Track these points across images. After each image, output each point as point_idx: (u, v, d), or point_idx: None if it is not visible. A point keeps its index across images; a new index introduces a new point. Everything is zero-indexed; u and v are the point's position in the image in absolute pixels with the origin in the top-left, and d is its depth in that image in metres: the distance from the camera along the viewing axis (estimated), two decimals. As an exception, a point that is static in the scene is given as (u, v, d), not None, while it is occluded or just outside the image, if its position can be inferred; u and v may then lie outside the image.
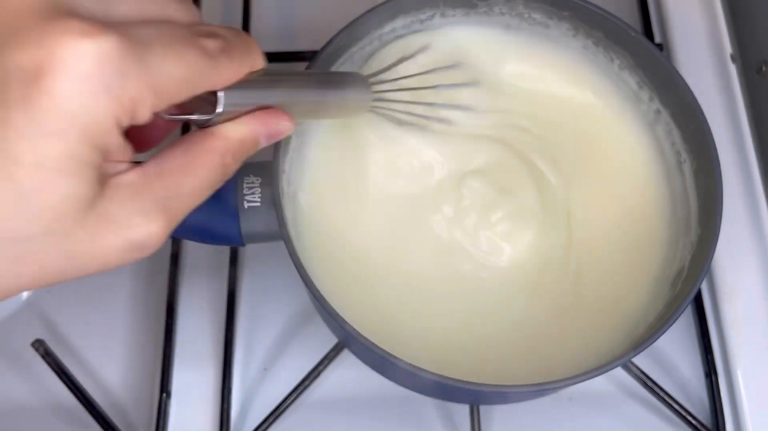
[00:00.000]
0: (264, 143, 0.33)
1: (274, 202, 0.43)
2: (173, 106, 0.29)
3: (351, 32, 0.47)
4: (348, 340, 0.49)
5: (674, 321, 0.41)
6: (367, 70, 0.48)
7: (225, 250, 0.55)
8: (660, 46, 0.62)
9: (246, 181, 0.44)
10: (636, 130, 0.51)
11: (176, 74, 0.27)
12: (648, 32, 0.62)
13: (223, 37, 0.30)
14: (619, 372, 0.51)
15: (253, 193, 0.44)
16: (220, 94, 0.30)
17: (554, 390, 0.48)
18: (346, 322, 0.40)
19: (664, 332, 0.41)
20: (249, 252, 0.56)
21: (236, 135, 0.31)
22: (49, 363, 0.50)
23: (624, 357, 0.41)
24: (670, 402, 0.51)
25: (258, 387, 0.53)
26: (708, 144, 0.45)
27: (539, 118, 0.51)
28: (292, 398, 0.50)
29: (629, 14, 0.64)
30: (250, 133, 0.32)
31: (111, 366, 0.53)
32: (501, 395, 0.46)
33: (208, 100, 0.30)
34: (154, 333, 0.53)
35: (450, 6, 0.50)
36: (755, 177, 0.58)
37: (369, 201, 0.49)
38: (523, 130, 0.51)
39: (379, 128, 0.48)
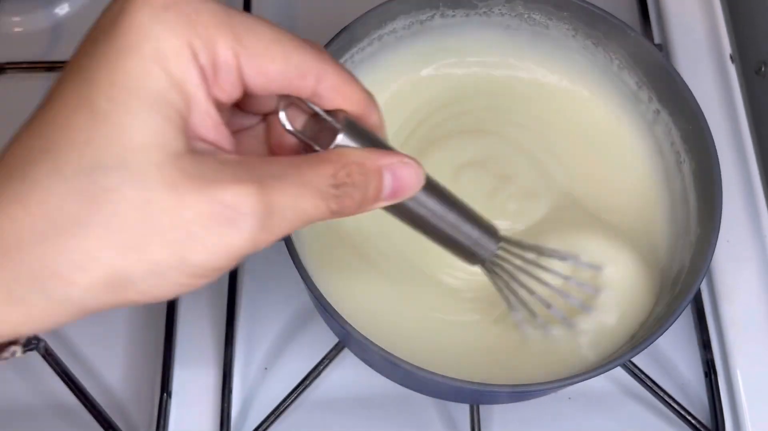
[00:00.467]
0: (389, 181, 0.31)
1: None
2: (299, 127, 0.29)
3: (351, 32, 0.47)
4: (348, 340, 0.49)
5: (674, 321, 0.41)
6: None
7: (225, 250, 0.55)
8: (659, 47, 0.62)
9: (246, 181, 0.44)
10: (635, 130, 0.51)
11: (265, 34, 0.26)
12: (647, 32, 0.62)
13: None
14: (618, 371, 0.51)
15: (253, 193, 0.44)
16: (340, 135, 0.30)
17: (554, 389, 0.48)
18: (346, 322, 0.40)
19: (664, 332, 0.41)
20: (249, 252, 0.56)
21: (354, 155, 0.30)
22: (49, 363, 0.50)
23: (624, 356, 0.41)
24: (670, 401, 0.51)
25: (258, 387, 0.53)
26: (707, 144, 0.45)
27: (538, 118, 0.51)
28: (292, 398, 0.50)
29: (629, 14, 0.64)
30: (372, 159, 0.30)
31: (111, 366, 0.53)
32: (500, 395, 0.46)
33: (330, 135, 0.30)
34: (155, 333, 0.53)
35: (450, 6, 0.50)
36: (754, 177, 0.58)
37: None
38: (521, 129, 0.51)
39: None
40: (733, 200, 0.57)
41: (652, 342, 0.41)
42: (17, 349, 0.28)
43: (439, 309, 0.47)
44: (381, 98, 0.51)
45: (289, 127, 0.30)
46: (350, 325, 0.40)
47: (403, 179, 0.31)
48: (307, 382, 0.50)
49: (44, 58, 0.62)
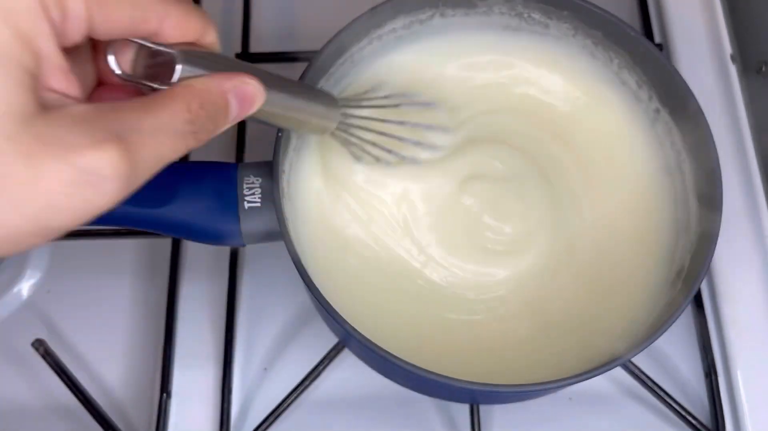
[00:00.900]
0: (234, 104, 0.32)
1: (274, 202, 0.43)
2: (130, 69, 0.28)
3: (351, 32, 0.47)
4: (348, 340, 0.49)
5: (674, 321, 0.41)
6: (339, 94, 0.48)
7: (225, 250, 0.55)
8: (660, 46, 0.62)
9: (246, 181, 0.44)
10: (635, 129, 0.51)
11: None
12: (648, 32, 0.62)
13: None
14: (619, 372, 0.51)
15: (253, 193, 0.44)
16: (178, 67, 0.30)
17: (554, 390, 0.48)
18: (346, 322, 0.40)
19: (664, 332, 0.41)
20: (249, 252, 0.56)
21: (200, 84, 0.30)
22: (49, 363, 0.50)
23: (624, 356, 0.41)
24: (670, 402, 0.51)
25: (258, 387, 0.53)
26: (708, 143, 0.45)
27: (537, 117, 0.51)
28: (292, 398, 0.50)
29: (629, 14, 0.64)
30: (216, 86, 0.30)
31: (111, 366, 0.53)
32: (501, 395, 0.46)
33: (168, 69, 0.30)
34: (154, 333, 0.53)
35: (450, 6, 0.50)
36: (755, 176, 0.58)
37: (369, 200, 0.49)
38: (521, 128, 0.51)
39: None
40: (733, 200, 0.57)
41: (653, 342, 0.41)
42: None
43: (440, 309, 0.47)
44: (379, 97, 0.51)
45: (118, 71, 0.29)
46: (350, 325, 0.40)
47: (245, 98, 0.32)
48: (307, 382, 0.50)
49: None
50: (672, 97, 0.48)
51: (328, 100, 0.44)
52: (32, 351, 0.50)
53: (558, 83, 0.52)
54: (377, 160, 0.47)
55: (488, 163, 0.49)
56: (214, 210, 0.44)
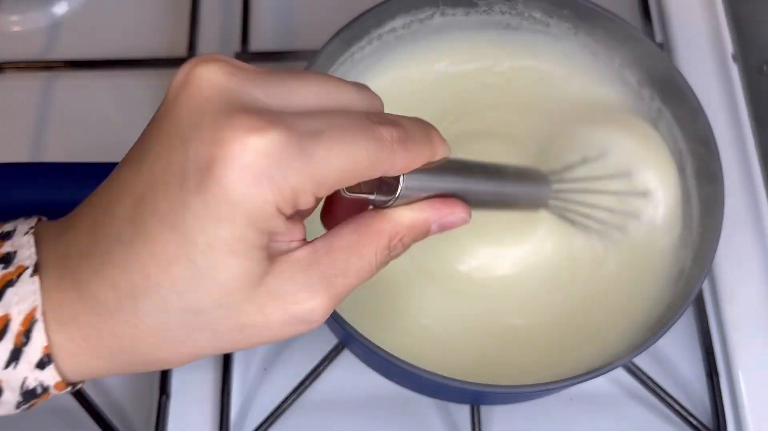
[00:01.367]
0: (435, 231, 0.33)
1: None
2: (355, 185, 0.30)
3: (351, 32, 0.47)
4: (348, 340, 0.48)
5: (675, 322, 0.41)
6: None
7: (224, 250, 0.55)
8: (661, 46, 0.62)
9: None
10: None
11: (340, 165, 0.28)
12: (649, 31, 0.62)
13: (400, 126, 0.30)
14: (620, 372, 0.51)
15: (252, 193, 0.44)
16: (401, 179, 0.30)
17: (555, 390, 0.48)
18: (346, 322, 0.40)
19: (666, 332, 0.41)
20: (248, 253, 0.55)
21: (406, 221, 0.32)
22: (48, 364, 0.50)
23: (625, 357, 0.41)
24: (671, 402, 0.51)
25: (258, 388, 0.53)
26: (709, 143, 0.45)
27: (538, 116, 0.51)
28: (292, 398, 0.50)
29: (630, 13, 0.64)
30: (422, 221, 0.32)
31: (110, 366, 0.53)
32: (501, 395, 0.46)
33: (390, 182, 0.31)
34: (154, 334, 0.53)
35: (450, 5, 0.50)
36: (757, 177, 0.58)
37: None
38: (520, 128, 0.51)
39: None
40: (735, 200, 0.57)
41: (654, 343, 0.41)
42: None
43: (440, 309, 0.47)
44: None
45: (344, 193, 0.31)
46: (350, 325, 0.40)
47: (447, 225, 0.33)
48: (307, 383, 0.50)
49: (42, 57, 0.62)
50: (673, 97, 0.48)
51: (539, 177, 0.44)
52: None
53: (558, 82, 0.52)
54: (597, 232, 0.47)
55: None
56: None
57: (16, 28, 0.63)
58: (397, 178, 0.30)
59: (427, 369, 0.40)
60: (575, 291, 0.48)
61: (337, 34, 0.46)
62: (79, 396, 0.50)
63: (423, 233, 0.33)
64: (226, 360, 0.51)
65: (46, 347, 0.28)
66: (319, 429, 0.52)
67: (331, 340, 0.50)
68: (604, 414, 0.52)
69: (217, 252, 0.27)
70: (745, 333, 0.54)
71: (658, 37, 0.63)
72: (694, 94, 0.46)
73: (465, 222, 0.34)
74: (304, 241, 0.30)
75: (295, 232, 0.30)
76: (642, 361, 0.51)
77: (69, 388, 0.30)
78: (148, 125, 0.28)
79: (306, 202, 0.28)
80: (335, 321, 0.40)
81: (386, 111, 0.52)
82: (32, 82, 0.61)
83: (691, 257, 0.45)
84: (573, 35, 0.51)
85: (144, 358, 0.29)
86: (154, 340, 0.28)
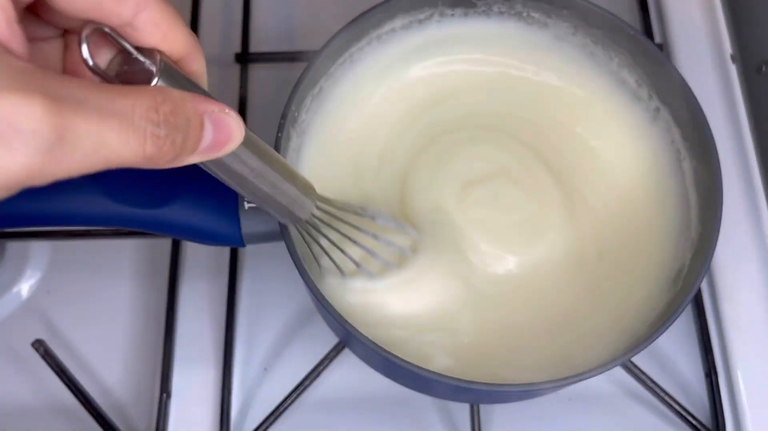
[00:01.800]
0: (210, 130, 0.28)
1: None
2: (104, 66, 0.26)
3: (350, 32, 0.47)
4: (348, 340, 0.49)
5: (674, 320, 0.41)
6: None
7: (225, 250, 0.55)
8: (660, 46, 0.62)
9: (246, 182, 0.44)
10: (635, 127, 0.51)
11: None
12: (648, 31, 0.62)
13: None
14: (618, 371, 0.51)
15: (253, 194, 0.44)
16: (156, 80, 0.27)
17: (554, 389, 0.48)
18: (346, 322, 0.40)
19: (664, 331, 0.41)
20: (249, 253, 0.56)
21: (176, 93, 0.27)
22: (49, 363, 0.50)
23: (624, 356, 0.41)
24: (670, 402, 0.51)
25: (258, 387, 0.53)
26: (708, 142, 0.45)
27: (537, 115, 0.51)
28: (292, 398, 0.50)
29: (629, 13, 0.64)
30: (195, 102, 0.27)
31: (111, 366, 0.53)
32: (500, 394, 0.46)
33: (146, 80, 0.27)
34: (154, 333, 0.53)
35: (449, 5, 0.50)
36: (755, 176, 0.58)
37: (371, 202, 0.49)
38: (520, 127, 0.51)
39: None
40: (733, 199, 0.57)
41: (653, 341, 0.41)
42: None
43: (441, 308, 0.47)
44: (378, 95, 0.51)
45: (91, 63, 0.26)
46: (350, 325, 0.40)
47: (224, 130, 0.28)
48: (307, 382, 0.50)
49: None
50: (672, 96, 0.48)
51: (304, 185, 0.39)
52: (32, 351, 0.50)
53: (557, 81, 0.52)
54: (338, 269, 0.44)
55: (484, 159, 0.49)
56: (214, 210, 0.44)
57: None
58: (151, 76, 0.27)
59: (427, 367, 0.40)
60: (575, 291, 0.48)
61: (337, 34, 0.46)
62: (80, 395, 0.50)
63: (196, 120, 0.27)
64: (227, 360, 0.52)
65: None
66: (319, 428, 0.52)
67: (331, 340, 0.50)
68: (603, 413, 0.52)
69: None
70: (743, 332, 0.54)
71: (657, 38, 0.63)
72: (692, 94, 0.46)
73: (240, 135, 0.29)
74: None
75: (16, 40, 0.24)
76: (641, 361, 0.51)
77: None
78: None
79: None
80: (335, 320, 0.40)
81: (386, 112, 0.52)
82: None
83: (690, 256, 0.45)
84: (572, 35, 0.51)
85: None
86: None
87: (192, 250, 0.55)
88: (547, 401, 0.52)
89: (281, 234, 0.42)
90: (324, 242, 0.43)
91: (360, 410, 0.52)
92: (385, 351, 0.40)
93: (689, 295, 0.42)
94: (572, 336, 0.47)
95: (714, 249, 0.43)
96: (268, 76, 0.61)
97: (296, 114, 0.46)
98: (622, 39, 0.49)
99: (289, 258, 0.42)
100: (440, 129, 0.51)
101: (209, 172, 0.33)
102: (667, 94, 0.49)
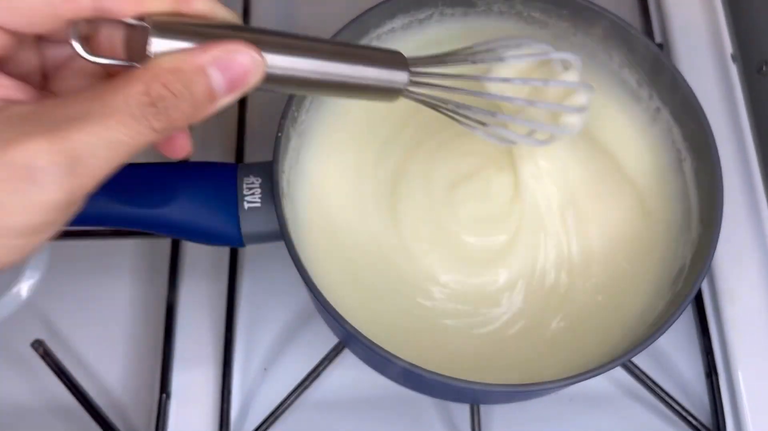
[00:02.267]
0: (219, 79, 0.28)
1: (274, 202, 0.43)
2: (100, 50, 0.26)
3: (350, 31, 0.47)
4: (348, 340, 0.49)
5: (674, 320, 0.41)
6: None
7: (225, 250, 0.55)
8: (660, 46, 0.62)
9: (246, 182, 0.44)
10: (635, 127, 0.51)
11: None
12: (648, 31, 0.62)
13: None
14: (619, 372, 0.51)
15: (253, 194, 0.44)
16: (152, 40, 0.27)
17: (554, 390, 0.48)
18: (346, 322, 0.40)
19: (665, 331, 0.41)
20: (249, 253, 0.56)
21: (167, 64, 0.27)
22: (48, 364, 0.50)
23: (624, 356, 0.41)
24: (671, 402, 0.51)
25: (258, 387, 0.53)
26: (708, 142, 0.45)
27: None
28: (292, 398, 0.50)
29: (629, 13, 0.64)
30: (189, 61, 0.27)
31: (111, 366, 0.53)
32: (500, 394, 0.46)
33: (144, 45, 0.27)
34: (154, 333, 0.53)
35: (449, 5, 0.50)
36: (756, 176, 0.58)
37: (369, 201, 0.49)
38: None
39: None
40: (734, 199, 0.57)
41: (653, 342, 0.41)
42: None
43: (441, 308, 0.47)
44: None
45: (84, 55, 0.27)
46: (350, 325, 0.40)
47: (236, 68, 0.28)
48: (307, 383, 0.50)
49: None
50: (672, 96, 0.48)
51: (385, 60, 0.36)
52: (32, 351, 0.50)
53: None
54: (481, 124, 0.41)
55: (482, 160, 0.49)
56: (214, 210, 0.44)
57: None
58: (147, 38, 0.27)
59: (428, 368, 0.40)
60: (574, 291, 0.48)
61: (337, 34, 0.46)
62: (80, 396, 0.50)
63: (197, 78, 0.27)
64: (227, 360, 0.52)
65: None
66: (319, 428, 0.52)
67: (331, 340, 0.50)
68: (603, 413, 0.52)
69: None
70: (744, 332, 0.54)
71: (658, 38, 0.63)
72: (693, 94, 0.46)
73: (261, 65, 0.29)
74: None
75: (14, 91, 0.26)
76: (641, 361, 0.51)
77: None
78: None
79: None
80: (335, 320, 0.40)
81: (387, 116, 0.52)
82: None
83: (690, 256, 0.45)
84: (572, 35, 0.51)
85: None
86: None
87: (192, 250, 0.55)
88: (547, 401, 0.52)
89: (281, 234, 0.42)
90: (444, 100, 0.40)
91: (360, 410, 0.52)
92: (384, 350, 0.40)
93: (690, 295, 0.42)
94: (572, 336, 0.47)
95: (714, 249, 0.43)
96: (268, 76, 0.61)
97: (296, 114, 0.46)
98: (622, 39, 0.49)
99: (289, 258, 0.42)
100: (437, 126, 0.51)
101: (272, 89, 0.31)
102: (667, 94, 0.49)
